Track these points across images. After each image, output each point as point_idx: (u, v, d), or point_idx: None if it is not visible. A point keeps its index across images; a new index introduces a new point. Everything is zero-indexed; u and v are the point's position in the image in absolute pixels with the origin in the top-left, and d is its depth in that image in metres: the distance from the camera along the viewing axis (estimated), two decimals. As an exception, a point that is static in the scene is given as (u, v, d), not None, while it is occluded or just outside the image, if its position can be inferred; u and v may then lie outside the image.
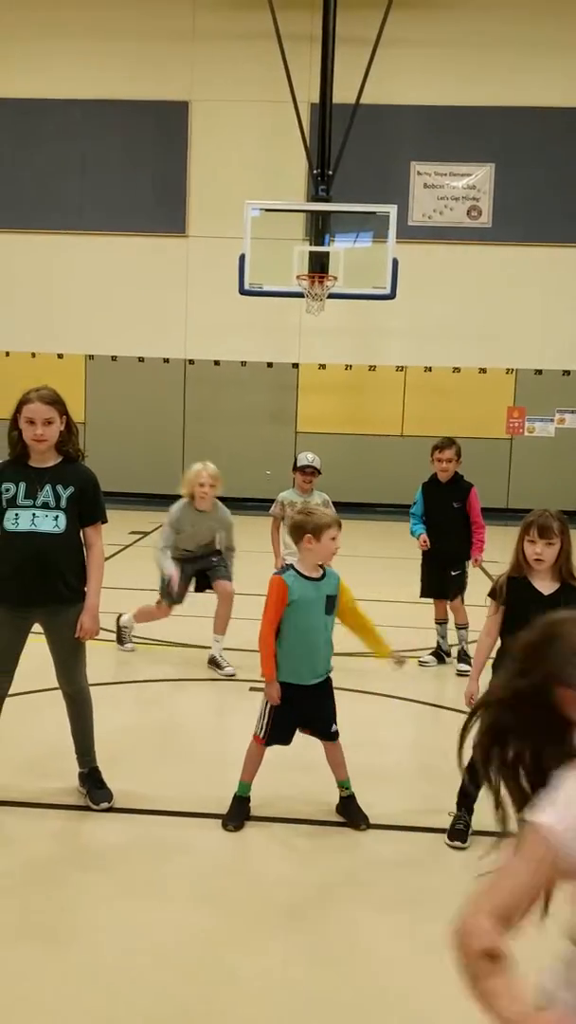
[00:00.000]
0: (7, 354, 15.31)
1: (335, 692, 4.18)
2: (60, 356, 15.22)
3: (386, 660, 4.21)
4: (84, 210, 15.01)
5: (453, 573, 6.57)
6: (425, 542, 6.58)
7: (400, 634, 7.18)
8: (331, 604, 4.07)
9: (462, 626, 6.63)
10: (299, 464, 6.81)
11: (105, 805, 4.16)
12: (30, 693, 5.04)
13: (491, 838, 3.93)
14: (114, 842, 3.92)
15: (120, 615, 6.66)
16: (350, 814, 4.13)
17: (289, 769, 4.42)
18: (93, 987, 2.96)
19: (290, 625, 4.00)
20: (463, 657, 6.55)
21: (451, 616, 6.70)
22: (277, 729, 4.07)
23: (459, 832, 3.97)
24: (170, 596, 6.31)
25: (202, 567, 6.45)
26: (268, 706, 4.06)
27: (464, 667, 6.46)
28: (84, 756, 4.30)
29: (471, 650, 6.36)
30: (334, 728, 4.12)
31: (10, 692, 4.20)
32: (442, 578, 6.60)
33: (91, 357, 15.30)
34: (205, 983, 3.01)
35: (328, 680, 4.12)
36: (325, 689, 4.10)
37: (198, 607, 6.35)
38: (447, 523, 6.53)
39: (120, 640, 6.65)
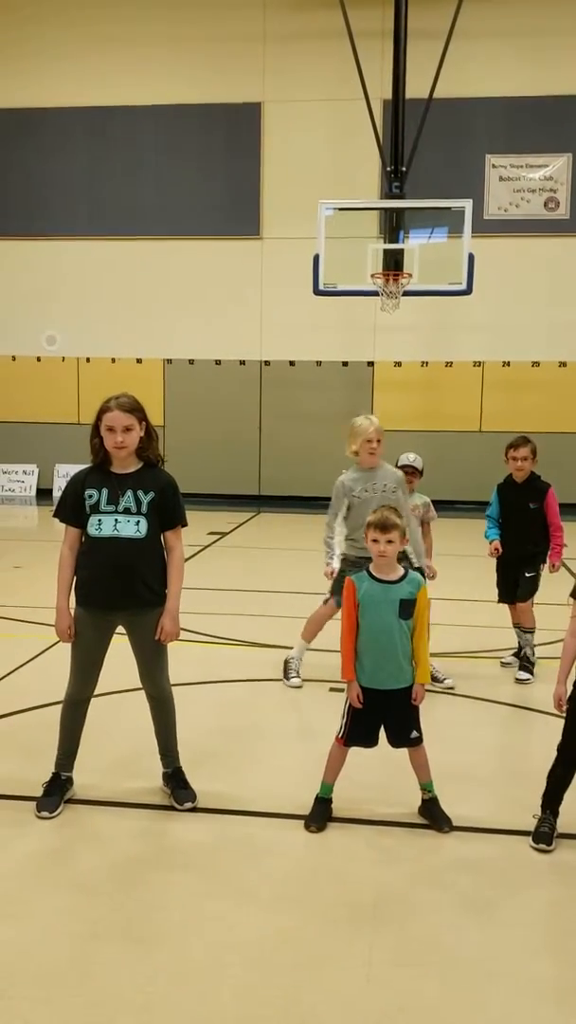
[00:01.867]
0: (87, 360, 15.60)
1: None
2: (139, 361, 15.43)
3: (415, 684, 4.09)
4: (159, 215, 15.20)
5: (528, 575, 6.22)
6: (497, 549, 6.23)
7: (477, 634, 7.13)
8: (406, 609, 3.99)
9: (528, 631, 6.29)
10: (399, 464, 6.18)
11: (189, 805, 4.20)
12: (114, 694, 5.13)
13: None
14: (198, 842, 3.96)
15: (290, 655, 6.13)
16: (433, 816, 4.10)
17: (372, 770, 4.40)
18: (179, 986, 2.99)
19: (362, 627, 4.00)
20: (524, 665, 6.23)
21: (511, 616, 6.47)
22: (357, 730, 4.05)
23: (544, 835, 3.91)
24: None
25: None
26: (348, 707, 4.06)
27: (524, 675, 6.13)
28: (167, 756, 4.35)
29: (533, 655, 6.22)
30: (414, 735, 4.08)
31: (95, 693, 4.27)
32: (516, 581, 6.26)
33: (169, 361, 15.49)
34: (289, 983, 3.02)
35: (411, 688, 4.06)
36: (407, 696, 4.05)
37: (281, 607, 6.33)
38: (524, 525, 6.20)
39: (286, 674, 6.06)
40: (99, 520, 4.04)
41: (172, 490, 4.14)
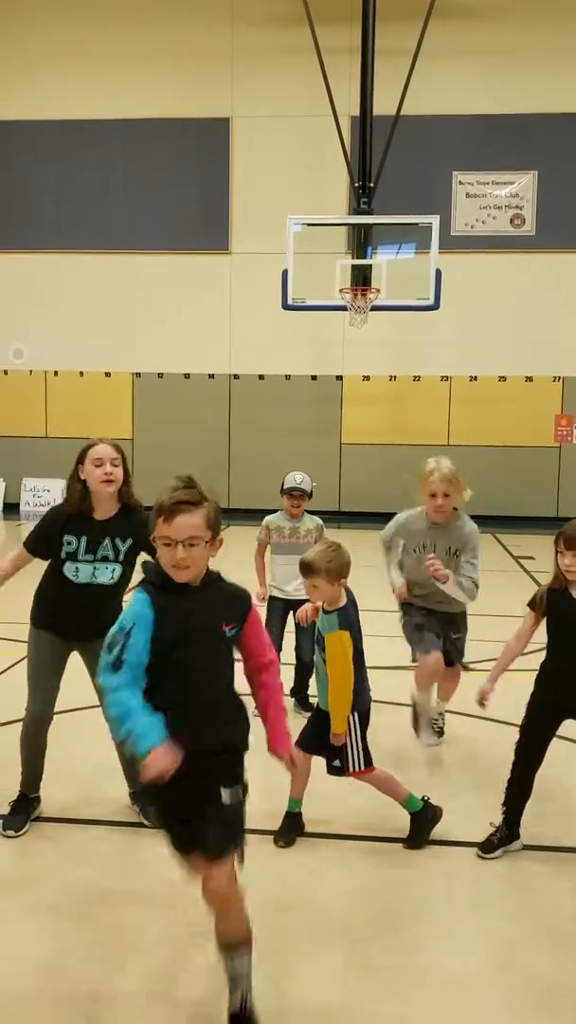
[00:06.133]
0: (55, 373, 15.52)
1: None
2: (107, 374, 15.39)
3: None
4: (127, 229, 15.19)
5: None
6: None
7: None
8: (320, 642, 4.00)
9: None
10: (286, 487, 5.81)
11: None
12: (82, 710, 5.08)
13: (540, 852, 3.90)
14: (167, 858, 3.91)
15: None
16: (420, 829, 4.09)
17: (341, 785, 4.39)
18: (149, 1005, 2.96)
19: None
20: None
21: None
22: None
23: (488, 844, 3.96)
24: (420, 644, 4.84)
25: (443, 633, 4.96)
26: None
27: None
28: (132, 775, 4.32)
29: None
30: (335, 763, 4.03)
31: (57, 710, 4.24)
32: None
33: (138, 375, 15.45)
34: (261, 998, 3.00)
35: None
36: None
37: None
38: None
39: (416, 727, 5.00)
40: (76, 568, 4.07)
41: (147, 533, 4.10)
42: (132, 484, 4.17)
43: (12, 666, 6.34)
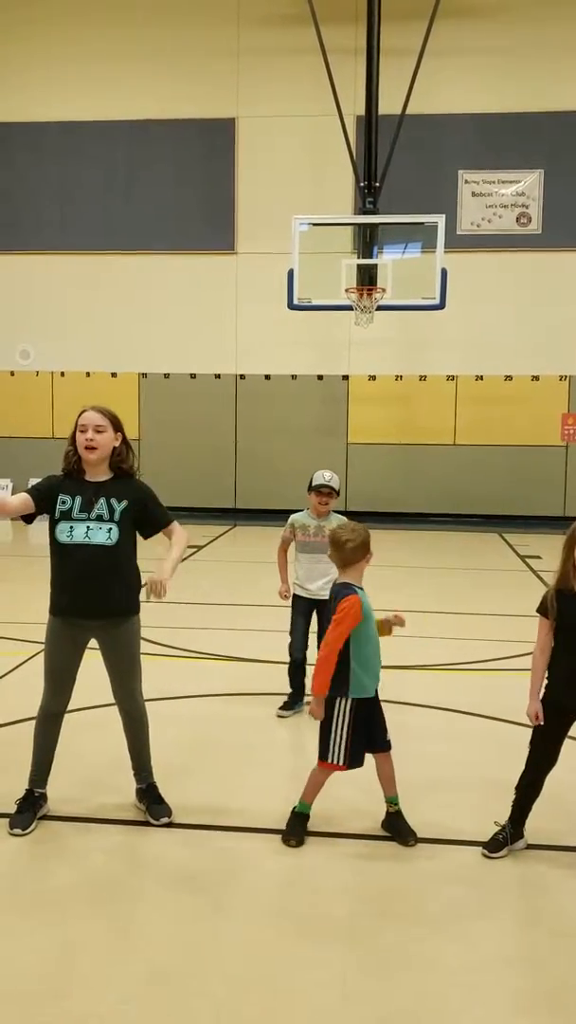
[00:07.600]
0: (62, 374, 15.57)
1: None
2: (114, 375, 15.43)
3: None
4: (133, 230, 15.23)
5: None
6: None
7: (462, 646, 7.14)
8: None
9: None
10: (314, 484, 5.73)
11: (165, 820, 4.18)
12: (86, 710, 5.10)
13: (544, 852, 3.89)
14: (174, 857, 3.94)
15: None
16: (398, 830, 4.09)
17: (345, 784, 4.40)
18: (155, 1002, 2.97)
19: (364, 638, 3.96)
20: None
21: None
22: (355, 753, 4.03)
23: (496, 842, 3.95)
24: None
25: None
26: (344, 731, 3.99)
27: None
28: (141, 772, 4.33)
29: None
30: (388, 736, 4.10)
31: (68, 708, 4.25)
32: None
33: (144, 375, 15.49)
34: (266, 997, 3.01)
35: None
36: (377, 697, 4.09)
37: (257, 620, 6.31)
38: None
39: None
40: (71, 527, 4.04)
41: (148, 497, 4.14)
42: (128, 453, 4.17)
43: (19, 666, 6.37)
